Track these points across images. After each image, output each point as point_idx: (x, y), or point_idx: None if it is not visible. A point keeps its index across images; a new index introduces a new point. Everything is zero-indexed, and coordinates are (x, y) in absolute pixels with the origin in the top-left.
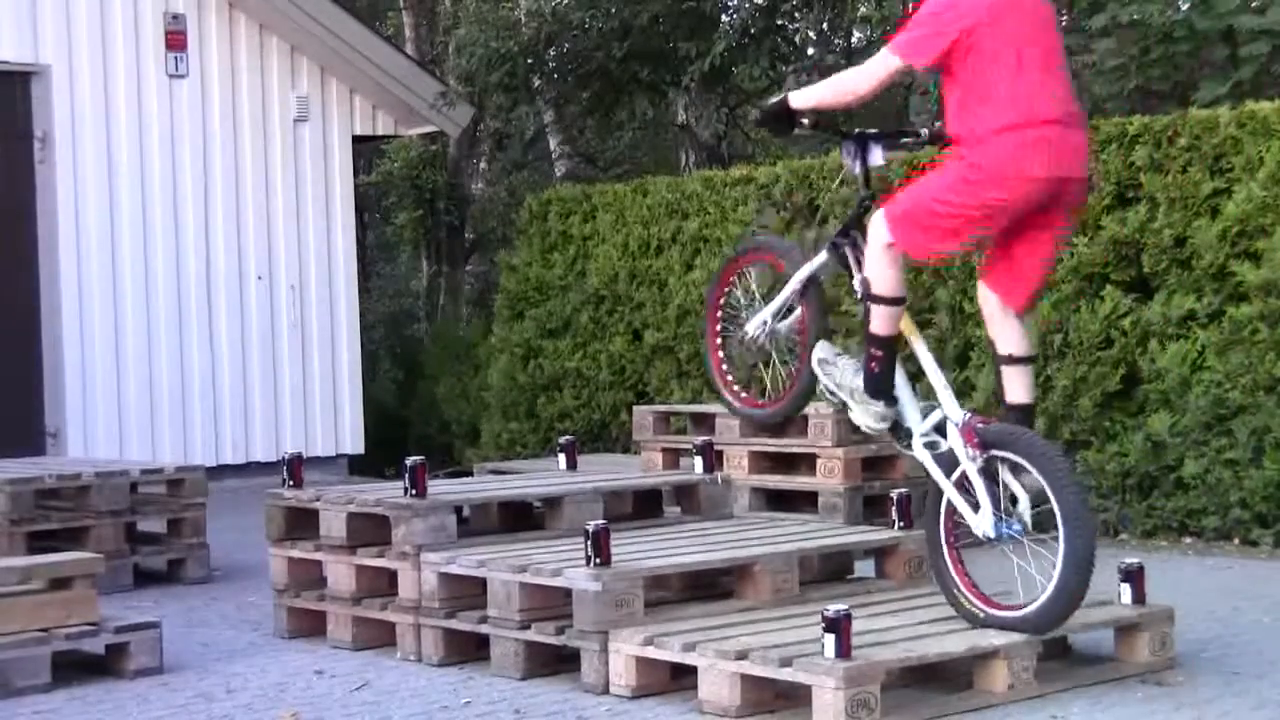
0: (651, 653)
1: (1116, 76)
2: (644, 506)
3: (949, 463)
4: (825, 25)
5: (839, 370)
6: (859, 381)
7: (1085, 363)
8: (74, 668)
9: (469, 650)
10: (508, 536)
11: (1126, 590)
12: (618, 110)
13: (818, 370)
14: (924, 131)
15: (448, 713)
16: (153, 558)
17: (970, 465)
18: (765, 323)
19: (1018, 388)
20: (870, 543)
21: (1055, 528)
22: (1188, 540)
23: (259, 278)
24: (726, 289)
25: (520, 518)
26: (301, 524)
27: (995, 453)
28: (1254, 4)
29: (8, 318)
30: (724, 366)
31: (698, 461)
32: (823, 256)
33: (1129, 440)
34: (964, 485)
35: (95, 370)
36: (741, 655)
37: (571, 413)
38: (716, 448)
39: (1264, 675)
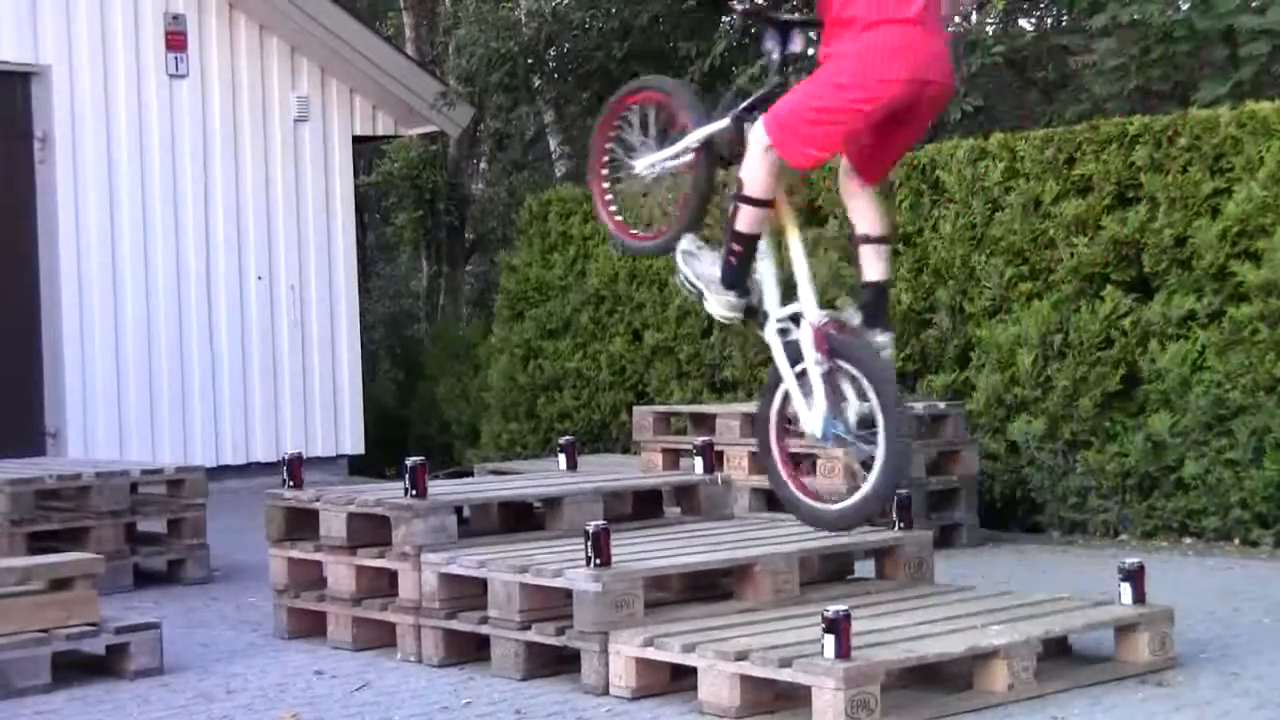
0: (651, 654)
1: (1117, 76)
2: (644, 507)
3: (795, 353)
4: None
5: (700, 261)
6: (716, 272)
7: (1085, 363)
8: (74, 668)
9: (469, 651)
10: (508, 537)
11: (1127, 590)
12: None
13: (680, 260)
14: None
15: (448, 713)
16: (153, 558)
17: (815, 368)
18: (655, 164)
19: (874, 265)
20: (870, 543)
21: (877, 442)
22: (1188, 540)
23: (259, 278)
24: (623, 115)
25: (520, 518)
26: (302, 524)
27: (839, 363)
28: (1254, 4)
29: (8, 317)
30: (609, 198)
31: (698, 462)
32: (725, 122)
33: (1129, 440)
34: (804, 379)
35: (95, 370)
36: (741, 656)
37: (571, 413)
38: (717, 448)
39: (1264, 675)
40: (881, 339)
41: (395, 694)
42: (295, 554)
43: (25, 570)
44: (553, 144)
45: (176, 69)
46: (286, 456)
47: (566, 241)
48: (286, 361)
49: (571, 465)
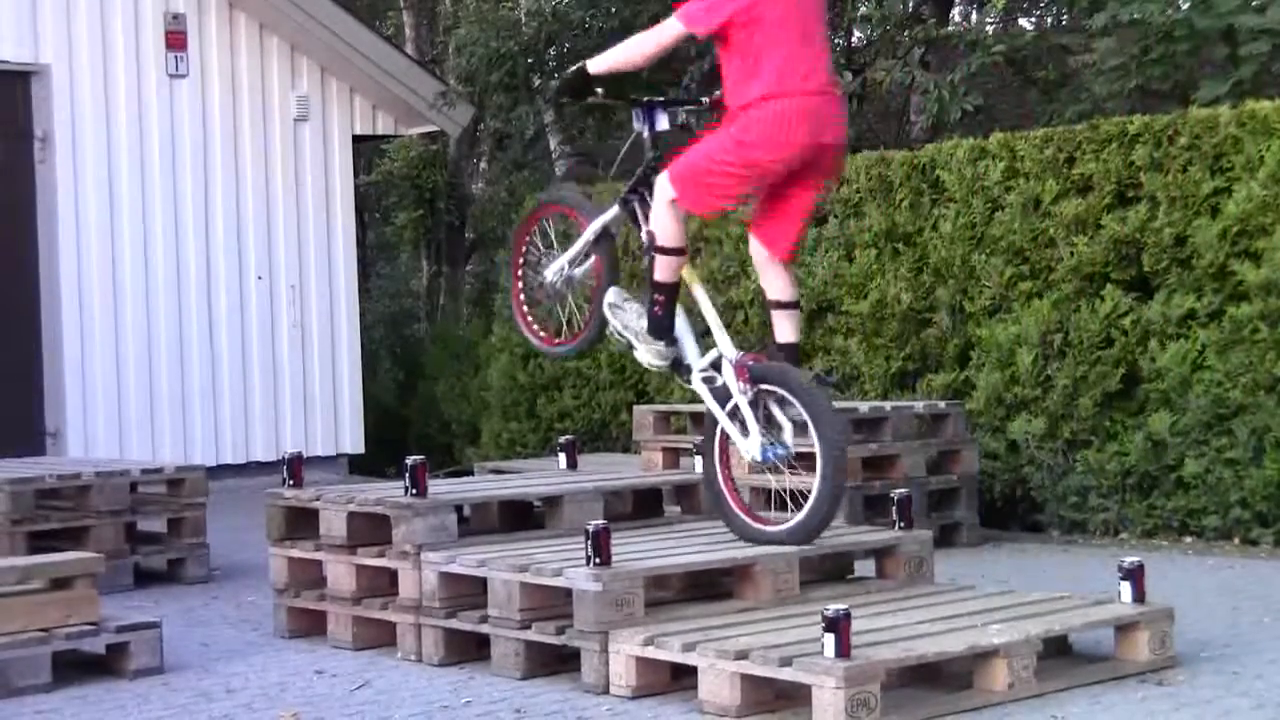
0: (652, 653)
1: (1117, 76)
2: (644, 506)
3: (723, 395)
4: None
5: (626, 313)
6: (643, 324)
7: (1085, 362)
8: (74, 667)
9: (469, 650)
10: (508, 536)
11: (1127, 589)
12: (618, 110)
13: (608, 313)
14: (704, 100)
15: (448, 712)
16: (153, 557)
17: (741, 398)
18: (563, 269)
19: (785, 329)
20: (870, 543)
21: (815, 456)
22: (1188, 540)
23: (259, 278)
24: (529, 237)
25: (520, 517)
26: (302, 524)
27: (764, 387)
28: (1254, 3)
29: (8, 317)
30: (525, 306)
31: (698, 461)
32: (614, 210)
33: (1129, 440)
34: (736, 415)
35: (95, 370)
36: (741, 655)
37: (571, 412)
38: None
39: (1264, 675)
40: None
41: (395, 693)
42: (295, 553)
43: (25, 569)
44: (553, 144)
45: (176, 68)
46: (286, 456)
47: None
48: (286, 361)
49: (571, 464)
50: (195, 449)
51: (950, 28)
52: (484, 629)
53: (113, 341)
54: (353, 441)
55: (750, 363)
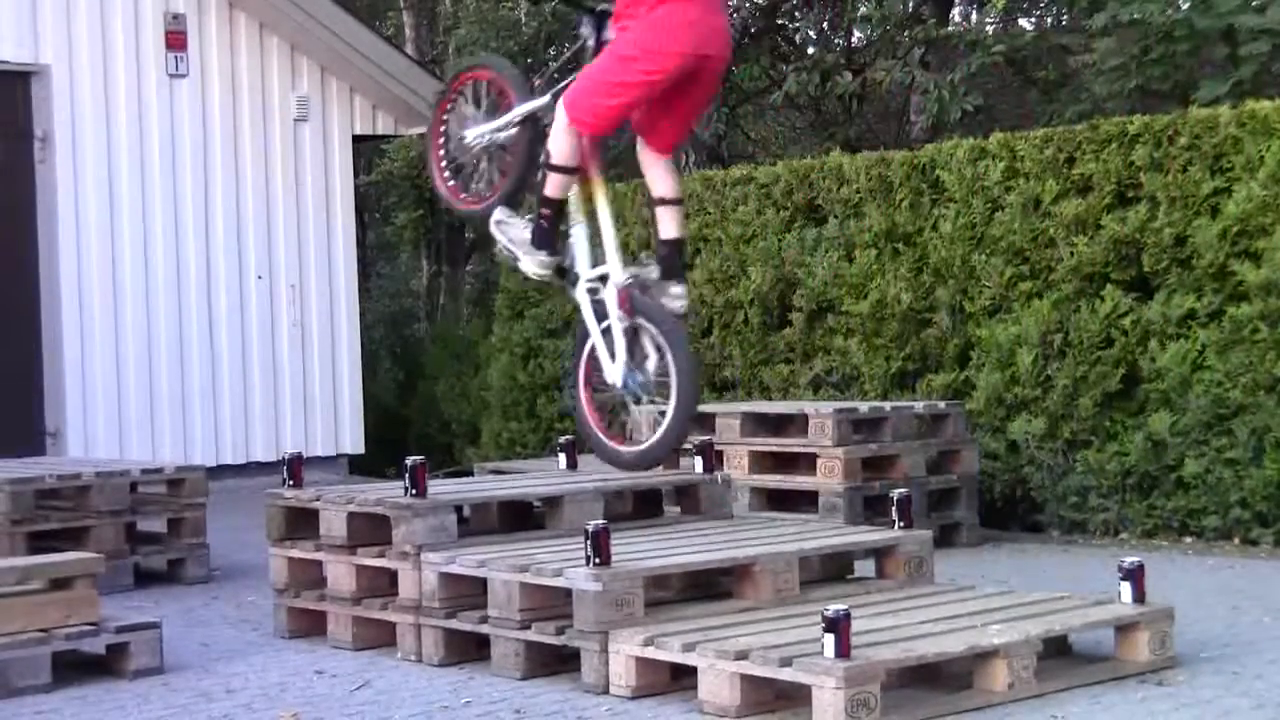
0: (651, 653)
1: (1117, 76)
2: (644, 506)
3: (601, 311)
4: (825, 25)
5: (512, 227)
6: (527, 235)
7: (1085, 362)
8: (74, 667)
9: (469, 650)
10: (508, 536)
11: (1127, 589)
12: None
13: (494, 230)
14: None
15: (448, 712)
16: (153, 558)
17: (617, 324)
18: (485, 134)
19: (668, 225)
20: (870, 543)
21: (669, 393)
22: (1188, 540)
23: (259, 277)
24: (453, 99)
25: (520, 518)
26: (302, 524)
27: (640, 321)
28: (1254, 3)
29: (8, 317)
30: (445, 168)
31: (697, 461)
32: (546, 99)
33: (1129, 440)
34: (608, 335)
35: (95, 370)
36: (741, 655)
37: (572, 412)
38: (716, 447)
39: (1264, 675)
40: (676, 289)
41: (395, 693)
42: (295, 553)
43: (25, 570)
44: None
45: (176, 68)
46: (286, 456)
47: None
48: (286, 361)
49: (571, 464)
50: (195, 449)
51: (950, 28)
52: (484, 629)
53: (113, 341)
54: (353, 442)
55: (635, 292)
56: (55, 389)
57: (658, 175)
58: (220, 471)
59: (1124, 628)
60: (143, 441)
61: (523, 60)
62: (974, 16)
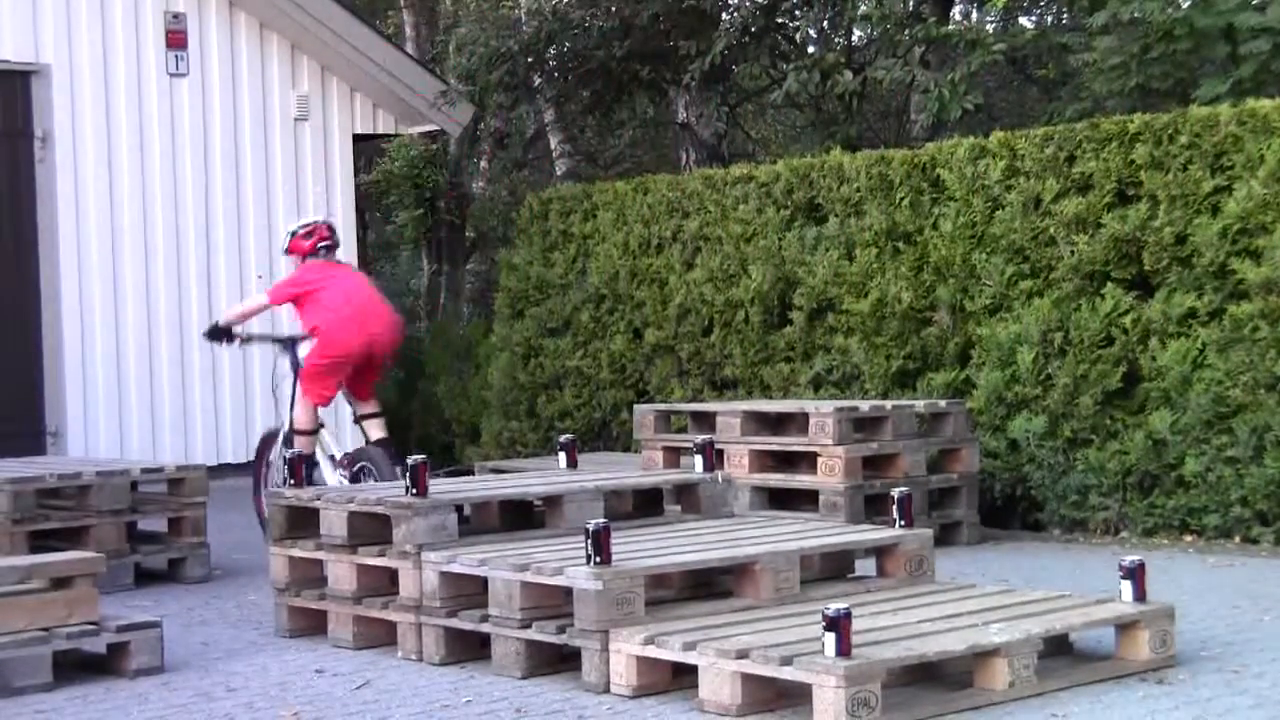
0: (652, 652)
1: (1117, 74)
2: (644, 505)
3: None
4: (825, 24)
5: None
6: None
7: (1086, 361)
8: (75, 667)
9: (470, 649)
10: (509, 535)
11: (1127, 588)
12: (618, 109)
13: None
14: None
15: (449, 711)
16: (153, 557)
17: (343, 479)
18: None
19: (375, 430)
20: (871, 541)
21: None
22: (1189, 538)
23: (259, 277)
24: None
25: (521, 516)
26: (302, 523)
27: (361, 464)
28: (1254, 1)
29: (8, 317)
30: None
31: (698, 460)
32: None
33: (1130, 438)
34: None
35: (95, 370)
36: (742, 654)
37: (572, 411)
38: (717, 446)
39: (1264, 674)
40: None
41: (396, 692)
42: (296, 552)
43: (26, 569)
44: (553, 142)
45: (177, 67)
46: (287, 455)
47: (567, 240)
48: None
49: (572, 463)
50: (196, 448)
51: (950, 26)
52: (485, 628)
53: (113, 341)
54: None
55: (347, 454)
56: (55, 388)
57: (361, 406)
58: (220, 471)
59: (1125, 626)
60: (143, 441)
61: (523, 60)
62: (974, 15)
